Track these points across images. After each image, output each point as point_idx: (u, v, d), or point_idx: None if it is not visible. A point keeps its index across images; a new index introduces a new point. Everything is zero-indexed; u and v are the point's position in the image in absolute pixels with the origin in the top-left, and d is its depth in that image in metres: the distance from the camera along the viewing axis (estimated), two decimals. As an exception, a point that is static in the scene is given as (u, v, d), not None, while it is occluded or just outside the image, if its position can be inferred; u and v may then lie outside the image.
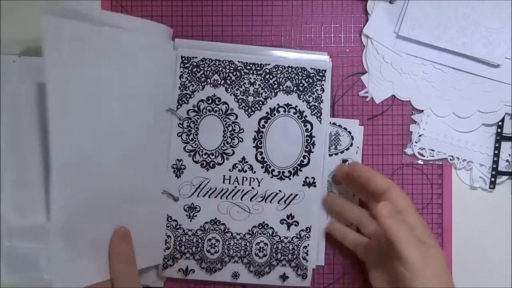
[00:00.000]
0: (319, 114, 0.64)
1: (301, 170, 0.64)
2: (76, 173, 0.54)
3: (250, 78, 0.64)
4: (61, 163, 0.52)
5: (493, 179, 0.66)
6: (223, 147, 0.64)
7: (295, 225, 0.65)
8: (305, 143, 0.64)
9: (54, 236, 0.53)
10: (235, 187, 0.65)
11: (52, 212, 0.52)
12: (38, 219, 0.62)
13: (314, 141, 0.64)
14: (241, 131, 0.64)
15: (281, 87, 0.64)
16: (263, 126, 0.64)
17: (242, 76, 0.64)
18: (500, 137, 0.65)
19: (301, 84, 0.64)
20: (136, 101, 0.60)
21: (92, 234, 0.56)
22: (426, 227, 0.57)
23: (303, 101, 0.64)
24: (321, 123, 0.64)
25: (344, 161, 0.66)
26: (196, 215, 0.65)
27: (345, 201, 0.65)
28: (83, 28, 0.54)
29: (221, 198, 0.65)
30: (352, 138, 0.66)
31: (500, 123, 0.65)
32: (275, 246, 0.65)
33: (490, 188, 0.66)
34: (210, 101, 0.64)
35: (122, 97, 0.58)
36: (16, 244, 0.65)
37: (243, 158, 0.64)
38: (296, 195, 0.64)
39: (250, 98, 0.64)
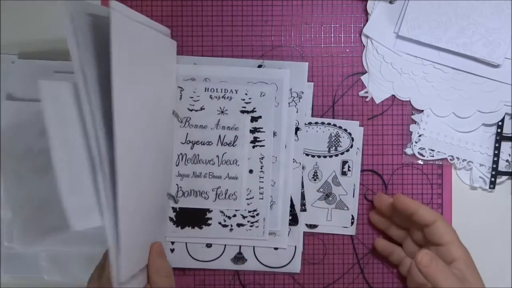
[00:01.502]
0: None
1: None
2: (131, 178, 0.52)
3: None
4: (124, 166, 0.50)
5: (493, 179, 0.66)
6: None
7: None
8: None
9: (123, 241, 0.50)
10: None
11: (120, 217, 0.50)
12: (96, 222, 0.60)
13: None
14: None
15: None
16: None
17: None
18: (500, 137, 0.65)
19: None
20: (159, 103, 0.60)
21: (138, 240, 0.56)
22: (468, 259, 0.59)
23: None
24: None
25: (344, 162, 0.66)
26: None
27: (388, 222, 0.65)
28: (137, 28, 0.53)
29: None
30: (352, 139, 0.66)
31: (500, 123, 0.65)
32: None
33: (490, 188, 0.66)
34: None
35: (155, 100, 0.58)
36: (14, 246, 0.65)
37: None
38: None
39: None
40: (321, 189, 0.66)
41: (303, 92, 0.66)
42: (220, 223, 0.65)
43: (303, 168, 0.66)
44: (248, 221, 0.65)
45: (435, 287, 0.54)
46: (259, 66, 0.66)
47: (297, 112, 0.66)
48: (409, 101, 0.66)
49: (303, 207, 0.66)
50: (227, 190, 0.65)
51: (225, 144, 0.65)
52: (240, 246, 0.66)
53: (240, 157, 0.65)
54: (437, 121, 0.66)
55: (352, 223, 0.67)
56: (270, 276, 0.67)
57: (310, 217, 0.67)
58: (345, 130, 0.66)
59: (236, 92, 0.65)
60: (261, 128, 0.65)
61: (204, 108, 0.65)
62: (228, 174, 0.65)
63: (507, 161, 0.66)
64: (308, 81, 0.66)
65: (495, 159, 0.65)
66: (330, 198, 0.66)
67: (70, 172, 0.54)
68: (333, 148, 0.66)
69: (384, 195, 0.65)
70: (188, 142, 0.65)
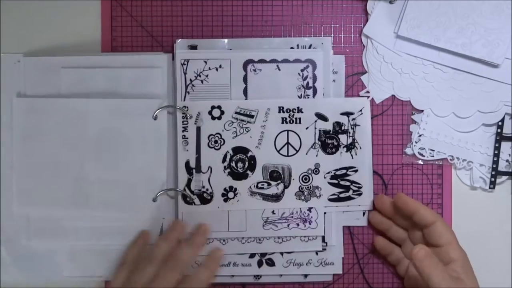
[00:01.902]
0: None
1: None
2: None
3: None
4: None
5: (493, 179, 0.66)
6: None
7: None
8: None
9: None
10: None
11: None
12: None
13: None
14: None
15: None
16: None
17: None
18: (500, 137, 0.65)
19: None
20: None
21: None
22: (466, 261, 0.59)
23: None
24: None
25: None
26: None
27: (390, 222, 0.65)
28: None
29: None
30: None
31: (500, 123, 0.65)
32: None
33: (490, 188, 0.66)
34: None
35: None
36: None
37: None
38: None
39: None
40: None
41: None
42: None
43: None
44: None
45: (428, 283, 0.54)
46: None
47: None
48: (409, 101, 0.66)
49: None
50: None
51: None
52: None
53: None
54: (437, 121, 0.66)
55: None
56: (270, 275, 0.67)
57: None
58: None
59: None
60: None
61: None
62: None
63: (507, 161, 0.66)
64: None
65: (495, 159, 0.65)
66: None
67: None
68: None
69: (385, 196, 0.65)
70: None
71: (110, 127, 0.64)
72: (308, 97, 0.65)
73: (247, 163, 0.65)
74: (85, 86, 0.65)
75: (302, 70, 0.64)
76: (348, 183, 0.65)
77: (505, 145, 0.65)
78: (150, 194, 0.64)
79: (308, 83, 0.64)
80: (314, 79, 0.65)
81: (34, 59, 0.65)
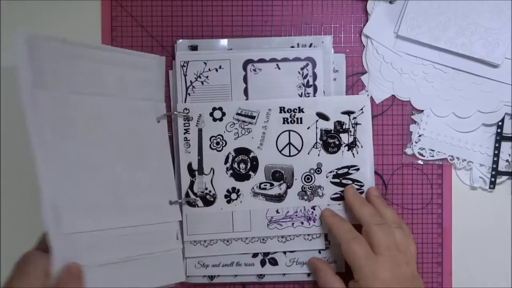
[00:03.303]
0: None
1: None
2: None
3: None
4: None
5: (493, 179, 0.66)
6: None
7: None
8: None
9: None
10: None
11: None
12: None
13: None
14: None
15: None
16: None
17: None
18: (500, 137, 0.65)
19: None
20: None
21: None
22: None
23: None
24: None
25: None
26: None
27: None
28: None
29: None
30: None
31: (500, 123, 0.65)
32: None
33: (490, 188, 0.66)
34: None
35: None
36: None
37: None
38: None
39: None
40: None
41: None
42: None
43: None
44: None
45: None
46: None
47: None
48: (409, 101, 0.66)
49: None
50: None
51: None
52: None
53: None
54: (437, 121, 0.66)
55: None
56: (271, 276, 0.67)
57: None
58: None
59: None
60: None
61: None
62: None
63: (507, 161, 0.66)
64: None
65: (495, 159, 0.66)
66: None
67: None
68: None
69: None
70: None
71: (127, 129, 0.61)
72: (308, 96, 0.65)
73: (249, 164, 0.65)
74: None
75: (302, 69, 0.64)
76: (350, 182, 0.65)
77: (505, 145, 0.66)
78: (167, 197, 0.64)
79: (308, 81, 0.64)
80: (314, 77, 0.65)
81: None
